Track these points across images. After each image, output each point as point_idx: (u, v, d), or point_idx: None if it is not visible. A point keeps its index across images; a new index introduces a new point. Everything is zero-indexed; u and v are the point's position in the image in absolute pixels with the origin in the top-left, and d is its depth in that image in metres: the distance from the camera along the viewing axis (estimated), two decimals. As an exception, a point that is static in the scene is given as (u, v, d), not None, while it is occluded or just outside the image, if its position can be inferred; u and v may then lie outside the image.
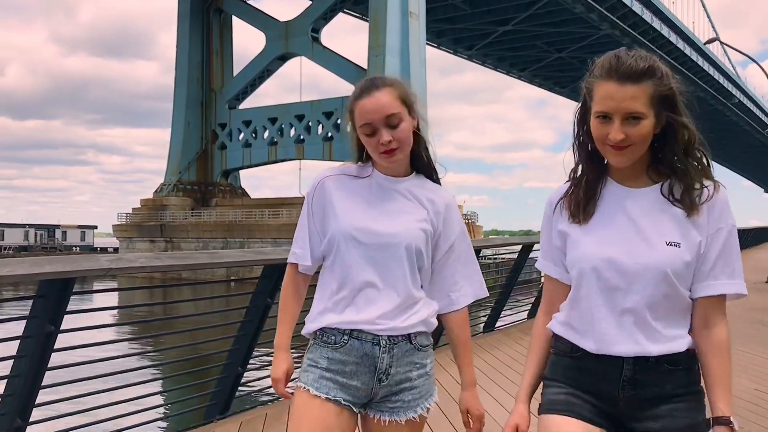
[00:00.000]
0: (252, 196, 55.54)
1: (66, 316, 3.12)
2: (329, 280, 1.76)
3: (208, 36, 53.88)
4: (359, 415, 1.78)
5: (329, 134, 49.00)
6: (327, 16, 50.44)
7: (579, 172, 1.61)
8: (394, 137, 1.69)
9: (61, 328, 3.10)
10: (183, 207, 50.38)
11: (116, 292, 28.66)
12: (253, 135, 52.22)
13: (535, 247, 7.35)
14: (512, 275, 7.70)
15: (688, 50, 62.74)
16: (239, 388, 4.15)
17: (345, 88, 49.17)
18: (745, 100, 75.93)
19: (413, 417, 1.75)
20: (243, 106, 53.93)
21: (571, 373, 1.58)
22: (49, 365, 3.16)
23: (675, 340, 1.51)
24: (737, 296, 1.54)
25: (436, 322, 1.81)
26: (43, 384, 3.17)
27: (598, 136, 1.49)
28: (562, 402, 1.57)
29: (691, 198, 1.50)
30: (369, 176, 1.79)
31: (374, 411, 1.77)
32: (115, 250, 51.44)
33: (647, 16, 56.38)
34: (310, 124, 50.00)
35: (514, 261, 7.88)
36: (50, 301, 3.05)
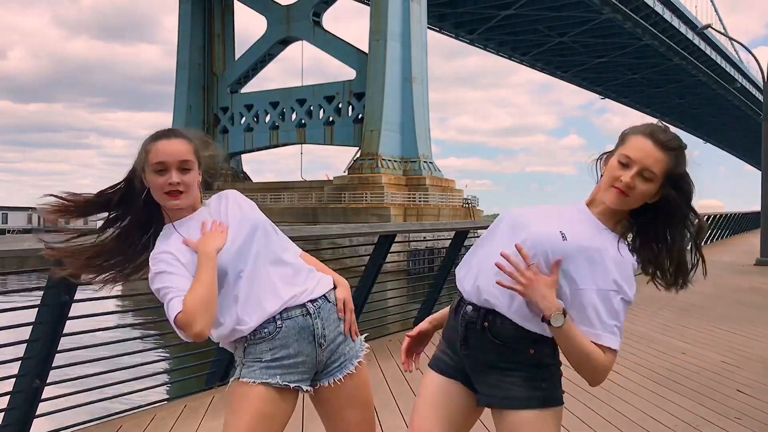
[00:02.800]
0: (254, 180, 55.77)
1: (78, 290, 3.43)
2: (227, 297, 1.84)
3: (209, 20, 53.83)
4: (312, 394, 1.89)
5: (330, 118, 49.13)
6: (329, 0, 50.36)
7: None
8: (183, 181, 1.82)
9: (74, 298, 3.42)
10: (185, 190, 50.61)
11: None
12: (255, 119, 52.35)
13: (471, 234, 6.97)
14: (444, 265, 6.74)
15: (690, 35, 62.46)
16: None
17: (347, 73, 49.36)
18: (747, 85, 75.66)
19: (359, 362, 1.93)
20: (245, 90, 54.01)
21: (447, 328, 1.85)
22: (64, 332, 3.48)
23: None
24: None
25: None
26: (59, 348, 3.49)
27: (611, 176, 1.69)
28: (436, 357, 1.84)
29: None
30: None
31: (325, 378, 1.89)
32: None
33: (649, 0, 56.19)
34: (311, 108, 50.11)
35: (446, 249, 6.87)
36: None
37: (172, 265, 1.76)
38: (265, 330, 1.82)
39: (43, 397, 3.52)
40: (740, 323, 6.92)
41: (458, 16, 59.34)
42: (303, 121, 50.64)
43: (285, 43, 52.13)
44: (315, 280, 1.92)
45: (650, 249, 1.72)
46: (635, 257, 1.70)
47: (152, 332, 5.88)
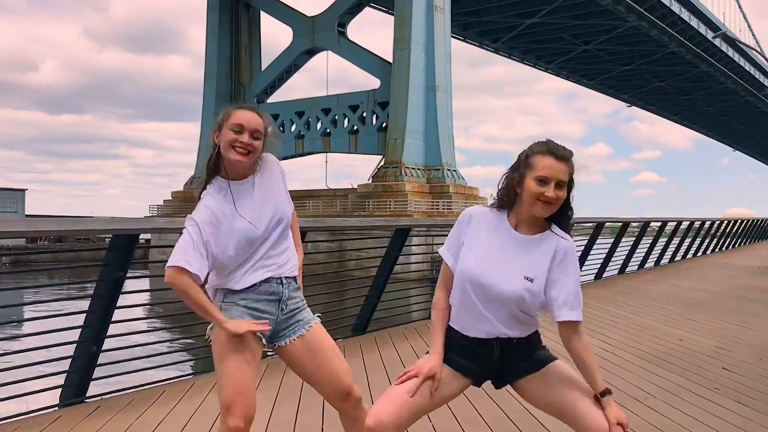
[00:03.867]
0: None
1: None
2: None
3: (236, 31, 54.91)
4: (269, 347, 2.43)
5: (355, 127, 49.75)
6: (353, 11, 51.09)
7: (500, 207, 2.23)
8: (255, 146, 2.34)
9: (127, 275, 3.94)
10: (213, 199, 51.51)
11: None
12: (281, 128, 53.16)
13: (413, 231, 6.71)
14: (384, 266, 6.15)
15: (717, 41, 62.08)
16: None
17: (371, 82, 49.98)
18: (778, 91, 74.75)
19: (309, 327, 2.43)
20: (271, 100, 54.92)
21: (459, 348, 2.23)
22: (117, 304, 4.00)
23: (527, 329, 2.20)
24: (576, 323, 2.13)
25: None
26: (113, 319, 4.01)
27: (534, 193, 2.09)
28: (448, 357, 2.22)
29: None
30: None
31: (282, 340, 2.40)
32: (147, 241, 52.88)
33: (675, 6, 55.93)
34: (336, 117, 50.78)
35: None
36: (119, 252, 3.89)
37: (198, 235, 2.24)
38: (250, 287, 2.34)
39: (98, 362, 4.05)
40: (740, 315, 7.24)
41: (482, 25, 59.72)
42: (328, 130, 51.33)
43: (310, 53, 52.95)
44: (293, 262, 2.45)
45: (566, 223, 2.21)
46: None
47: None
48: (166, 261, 2.21)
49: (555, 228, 2.19)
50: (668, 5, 54.43)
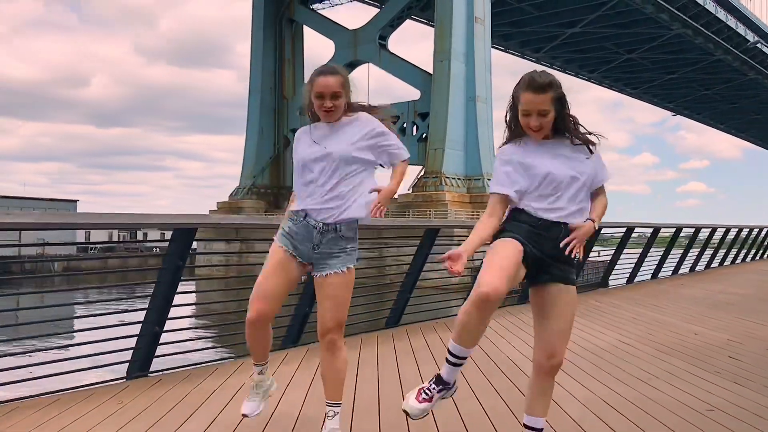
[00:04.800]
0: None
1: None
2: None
3: (280, 45, 56.24)
4: (305, 270, 2.95)
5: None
6: (394, 23, 51.86)
7: (511, 137, 2.65)
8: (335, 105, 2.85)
9: (186, 264, 4.52)
10: (257, 209, 52.77)
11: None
12: (323, 140, 54.06)
13: (442, 232, 6.97)
14: (415, 264, 6.65)
15: (766, 48, 60.83)
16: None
17: (412, 93, 50.56)
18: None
19: (330, 272, 2.86)
20: (314, 112, 55.91)
21: (526, 233, 2.52)
22: (177, 290, 4.58)
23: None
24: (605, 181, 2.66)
25: (356, 213, 2.86)
26: (174, 303, 4.58)
27: (524, 124, 2.52)
28: (512, 234, 2.51)
29: (574, 143, 2.60)
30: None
31: (316, 272, 2.91)
32: (193, 249, 54.49)
33: (722, 14, 55.13)
34: (377, 128, 51.43)
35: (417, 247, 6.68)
36: (180, 244, 4.47)
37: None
38: (297, 215, 2.90)
39: (161, 341, 4.62)
40: (762, 315, 7.47)
41: (524, 36, 59.83)
42: (370, 141, 52.00)
43: (352, 66, 53.83)
44: (338, 212, 2.84)
45: (576, 135, 2.59)
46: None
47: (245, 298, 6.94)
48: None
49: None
50: (713, 12, 53.70)
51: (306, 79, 3.10)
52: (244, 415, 3.08)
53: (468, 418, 3.47)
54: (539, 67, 3.42)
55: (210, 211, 56.14)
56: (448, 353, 2.55)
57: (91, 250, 57.91)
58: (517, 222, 2.56)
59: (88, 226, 4.39)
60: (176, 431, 3.28)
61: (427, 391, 2.60)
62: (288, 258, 2.89)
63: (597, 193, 2.68)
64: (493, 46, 50.33)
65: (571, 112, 2.59)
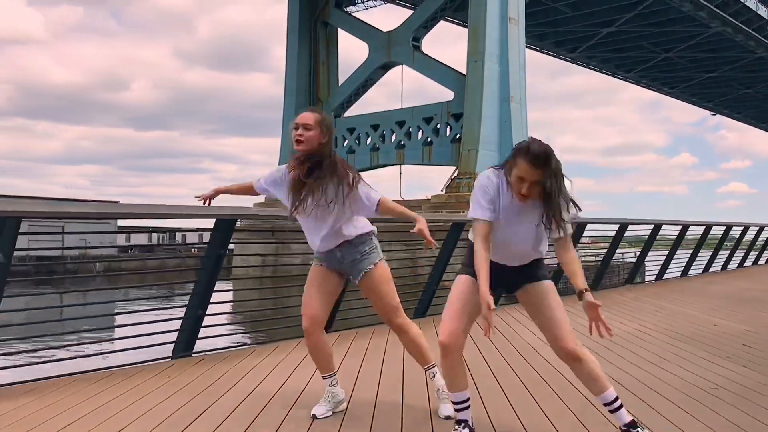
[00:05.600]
0: (356, 200, 57.75)
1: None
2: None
3: (315, 48, 56.88)
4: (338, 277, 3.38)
5: (428, 139, 50.53)
6: (428, 25, 52.03)
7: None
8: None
9: (226, 252, 4.89)
10: (292, 210, 53.34)
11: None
12: (357, 141, 54.60)
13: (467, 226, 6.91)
14: (441, 257, 7.02)
15: (810, 45, 59.30)
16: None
17: (445, 94, 50.70)
18: None
19: (365, 272, 3.29)
20: (347, 114, 56.47)
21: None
22: (218, 276, 4.96)
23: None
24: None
25: (363, 229, 3.33)
26: (215, 288, 4.96)
27: (514, 185, 2.69)
28: (469, 272, 2.86)
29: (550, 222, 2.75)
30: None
31: (354, 279, 3.33)
32: (230, 250, 55.44)
33: (762, 11, 54.02)
34: (410, 129, 51.71)
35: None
36: (221, 233, 4.85)
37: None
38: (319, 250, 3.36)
39: (203, 324, 5.01)
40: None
41: (559, 35, 59.40)
42: (402, 143, 52.31)
43: (386, 67, 54.17)
44: (344, 237, 3.29)
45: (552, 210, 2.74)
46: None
47: (281, 285, 7.29)
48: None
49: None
50: (754, 9, 52.63)
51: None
52: (313, 416, 3.32)
53: (485, 394, 3.75)
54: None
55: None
56: (452, 402, 2.99)
57: (131, 250, 59.42)
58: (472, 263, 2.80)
59: (132, 215, 4.81)
60: (217, 401, 3.63)
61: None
62: (324, 270, 3.37)
63: (561, 246, 2.79)
64: (527, 46, 50.15)
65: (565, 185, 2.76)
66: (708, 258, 13.62)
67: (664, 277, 11.78)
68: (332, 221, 3.24)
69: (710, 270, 13.82)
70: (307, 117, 3.22)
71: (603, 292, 9.65)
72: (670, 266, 12.01)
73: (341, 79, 56.64)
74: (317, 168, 3.19)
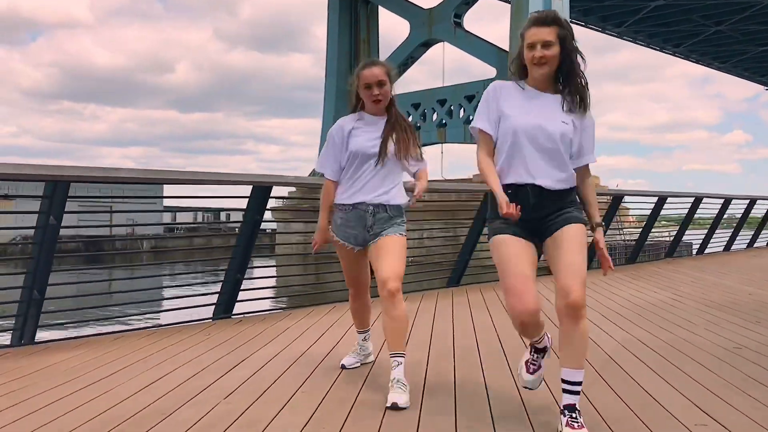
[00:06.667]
0: (397, 180, 57.90)
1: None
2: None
3: (355, 27, 56.78)
4: (360, 250, 3.23)
5: (470, 117, 50.14)
6: (469, 1, 51.40)
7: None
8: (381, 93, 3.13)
9: (263, 218, 5.09)
10: (333, 190, 53.70)
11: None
12: (398, 120, 54.47)
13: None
14: (473, 228, 7.12)
15: None
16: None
17: (488, 71, 50.10)
18: None
19: (385, 234, 3.11)
20: (388, 93, 56.36)
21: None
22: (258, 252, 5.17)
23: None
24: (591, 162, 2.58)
25: (403, 200, 3.20)
26: (253, 254, 5.18)
27: (528, 59, 2.49)
28: (503, 227, 2.50)
29: (573, 104, 2.59)
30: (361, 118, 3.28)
31: (372, 241, 3.15)
32: (273, 231, 56.28)
33: (823, -22, 51.68)
34: (451, 108, 51.39)
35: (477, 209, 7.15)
36: (258, 199, 5.05)
37: (332, 143, 3.28)
38: (346, 207, 3.19)
39: (243, 288, 5.23)
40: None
41: (604, 10, 57.89)
42: (443, 121, 52.05)
43: (427, 45, 53.78)
44: (386, 195, 3.15)
45: (574, 83, 2.53)
46: (568, 98, 2.53)
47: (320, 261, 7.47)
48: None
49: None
50: (813, -23, 50.38)
51: (381, 59, 3.44)
52: (342, 366, 3.46)
53: (508, 349, 3.87)
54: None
55: (289, 192, 57.61)
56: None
57: (177, 230, 61.00)
58: (497, 210, 2.49)
59: (171, 181, 5.05)
60: (252, 354, 3.84)
61: (532, 363, 2.75)
62: (353, 254, 3.26)
63: (582, 175, 2.59)
64: (572, 21, 48.93)
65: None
66: (753, 233, 13.34)
67: (705, 252, 11.62)
68: (393, 175, 3.18)
69: (755, 245, 13.53)
70: (379, 73, 3.16)
71: (641, 265, 9.60)
72: (714, 241, 11.83)
73: (382, 58, 56.46)
74: (389, 120, 3.22)
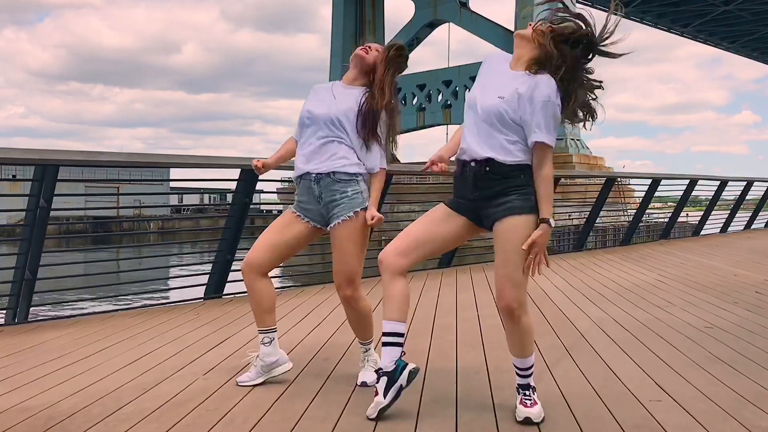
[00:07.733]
0: (402, 162, 57.99)
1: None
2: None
3: (361, 7, 56.49)
4: (320, 228, 2.86)
5: (475, 98, 49.98)
6: (475, -19, 51.08)
7: None
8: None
9: (252, 201, 5.20)
10: (339, 171, 53.73)
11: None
12: (403, 102, 54.33)
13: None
14: (598, 203, 9.24)
15: None
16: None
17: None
18: None
19: (339, 221, 2.78)
20: (394, 74, 56.13)
21: (456, 188, 2.50)
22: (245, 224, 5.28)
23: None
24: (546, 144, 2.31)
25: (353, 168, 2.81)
26: (242, 236, 5.29)
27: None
28: (450, 200, 2.51)
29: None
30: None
31: (328, 225, 2.84)
32: (279, 212, 56.44)
33: (833, -44, 51.01)
34: (457, 89, 51.23)
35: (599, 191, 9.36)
36: (246, 183, 5.15)
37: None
38: (297, 179, 2.90)
39: (232, 268, 5.35)
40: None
41: (611, -10, 57.44)
42: (449, 102, 51.93)
43: (432, 26, 53.51)
44: (329, 162, 2.81)
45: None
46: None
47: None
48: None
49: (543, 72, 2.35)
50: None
51: (387, 41, 3.35)
52: (237, 383, 2.91)
53: (484, 328, 3.98)
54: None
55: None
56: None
57: (183, 211, 61.33)
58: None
59: (168, 164, 5.17)
60: (236, 333, 3.96)
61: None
62: (293, 218, 2.89)
63: (534, 159, 2.36)
64: (578, 2, 48.68)
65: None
66: (750, 215, 13.36)
67: (701, 233, 11.68)
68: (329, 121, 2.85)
69: (752, 227, 13.56)
70: (377, 46, 3.09)
71: (634, 246, 9.70)
72: (711, 223, 11.89)
73: (387, 39, 56.26)
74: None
